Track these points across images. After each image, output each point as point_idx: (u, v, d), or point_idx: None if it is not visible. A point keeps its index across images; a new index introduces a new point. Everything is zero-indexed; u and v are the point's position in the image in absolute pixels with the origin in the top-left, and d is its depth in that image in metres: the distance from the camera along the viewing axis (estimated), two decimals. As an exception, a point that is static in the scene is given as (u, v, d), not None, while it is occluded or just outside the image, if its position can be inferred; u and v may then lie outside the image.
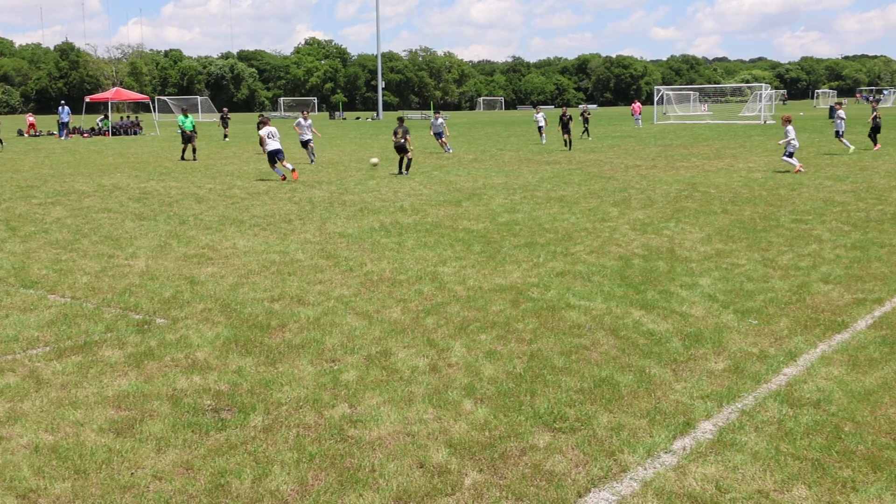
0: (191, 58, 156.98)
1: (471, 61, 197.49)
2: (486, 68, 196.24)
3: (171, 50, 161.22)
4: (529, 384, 5.85)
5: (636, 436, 4.99)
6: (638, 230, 12.41)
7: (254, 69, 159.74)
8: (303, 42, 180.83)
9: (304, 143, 25.87)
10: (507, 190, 18.11)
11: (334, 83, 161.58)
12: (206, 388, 5.86)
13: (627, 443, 4.89)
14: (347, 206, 15.60)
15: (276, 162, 20.89)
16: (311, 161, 25.72)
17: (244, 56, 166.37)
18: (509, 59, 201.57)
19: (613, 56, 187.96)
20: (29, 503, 4.25)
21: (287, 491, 4.35)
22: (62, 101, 51.92)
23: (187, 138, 28.87)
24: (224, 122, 43.86)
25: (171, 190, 18.91)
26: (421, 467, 4.61)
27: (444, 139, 31.26)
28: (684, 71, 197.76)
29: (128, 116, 62.50)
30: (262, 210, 15.25)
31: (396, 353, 6.59)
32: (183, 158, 28.66)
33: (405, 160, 22.03)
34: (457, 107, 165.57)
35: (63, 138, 45.64)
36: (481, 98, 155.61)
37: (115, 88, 62.49)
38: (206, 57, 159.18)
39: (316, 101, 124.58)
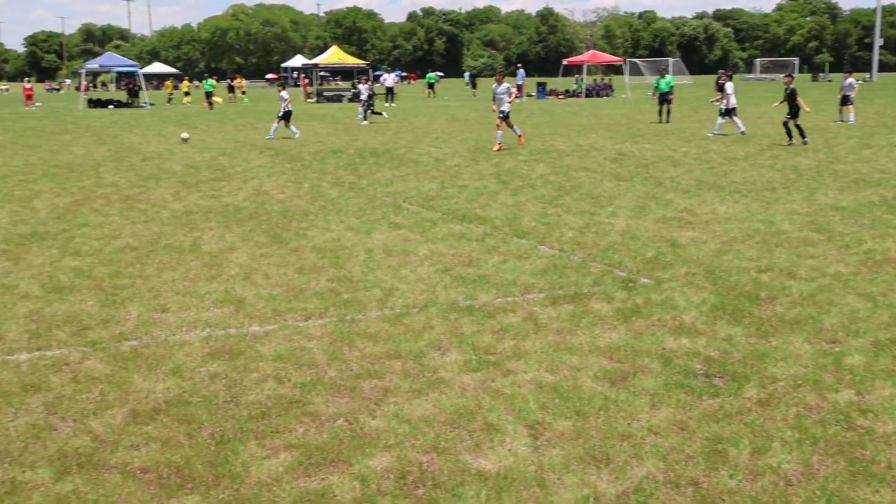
0: (664, 19, 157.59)
1: None
2: None
3: (645, 12, 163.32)
4: None
5: None
6: None
7: (729, 28, 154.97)
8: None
9: (728, 112, 23.14)
10: None
11: (820, 41, 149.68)
12: (695, 351, 5.82)
13: None
14: (839, 177, 14.32)
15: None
16: (742, 132, 22.73)
17: (720, 15, 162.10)
18: None
19: None
20: (537, 434, 4.61)
21: (790, 470, 4.12)
22: (518, 64, 56.69)
23: (663, 99, 28.97)
24: (720, 85, 43.49)
25: (646, 152, 19.15)
26: (948, 476, 4.04)
27: (850, 104, 26.66)
28: None
29: (601, 78, 64.77)
30: (742, 176, 14.70)
31: (908, 342, 5.87)
32: (663, 121, 28.52)
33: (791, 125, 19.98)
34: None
35: (540, 98, 48.90)
36: None
37: (591, 51, 64.79)
38: (680, 17, 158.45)
39: (797, 62, 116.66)
